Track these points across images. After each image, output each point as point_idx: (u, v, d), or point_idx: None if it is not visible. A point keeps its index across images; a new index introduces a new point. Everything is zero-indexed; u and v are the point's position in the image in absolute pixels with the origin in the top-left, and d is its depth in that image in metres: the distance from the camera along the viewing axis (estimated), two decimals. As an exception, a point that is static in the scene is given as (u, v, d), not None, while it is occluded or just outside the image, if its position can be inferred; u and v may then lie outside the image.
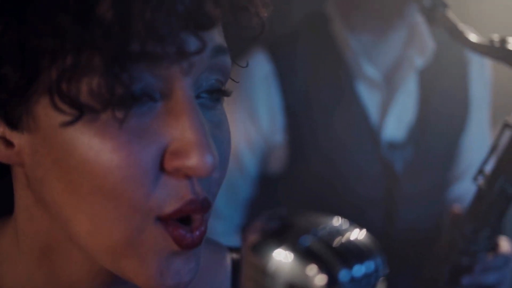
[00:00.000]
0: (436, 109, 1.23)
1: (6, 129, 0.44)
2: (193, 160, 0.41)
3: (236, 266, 0.59)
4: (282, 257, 0.34)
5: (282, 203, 1.25)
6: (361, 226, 0.37)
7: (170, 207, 0.42)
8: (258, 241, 0.35)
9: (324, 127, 1.20)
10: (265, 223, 0.37)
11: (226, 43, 0.46)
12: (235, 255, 0.60)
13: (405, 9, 1.14)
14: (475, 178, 0.96)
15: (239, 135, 1.20)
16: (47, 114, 0.41)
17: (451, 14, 0.97)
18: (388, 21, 1.17)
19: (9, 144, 0.44)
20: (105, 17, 0.39)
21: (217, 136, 0.44)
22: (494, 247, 1.03)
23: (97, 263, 0.46)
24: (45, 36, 0.39)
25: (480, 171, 0.95)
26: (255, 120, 1.20)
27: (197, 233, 0.44)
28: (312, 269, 0.33)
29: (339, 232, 0.36)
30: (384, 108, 1.21)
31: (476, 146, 1.27)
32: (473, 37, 0.93)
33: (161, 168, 0.42)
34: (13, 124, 0.43)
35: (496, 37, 0.90)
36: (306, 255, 0.34)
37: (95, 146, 0.40)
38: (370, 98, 1.21)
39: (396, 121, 1.21)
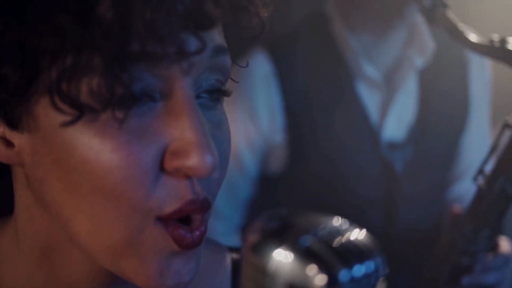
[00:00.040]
0: (436, 109, 1.23)
1: (6, 129, 0.44)
2: (193, 160, 0.41)
3: (236, 266, 0.59)
4: (282, 257, 0.34)
5: (282, 203, 1.25)
6: (361, 226, 0.37)
7: (170, 207, 0.42)
8: (258, 241, 0.35)
9: (324, 127, 1.20)
10: (265, 223, 0.37)
11: (226, 43, 0.46)
12: (235, 255, 0.60)
13: (405, 9, 1.14)
14: (475, 178, 0.96)
15: (239, 135, 1.20)
16: (47, 114, 0.41)
17: (451, 14, 0.97)
18: (388, 21, 1.17)
19: (9, 144, 0.44)
20: (105, 17, 0.39)
21: (217, 136, 0.44)
22: (494, 247, 1.03)
23: (97, 263, 0.46)
24: (45, 36, 0.39)
25: (480, 171, 0.95)
26: (255, 120, 1.20)
27: (197, 233, 0.44)
28: (312, 269, 0.33)
29: (339, 232, 0.36)
30: (384, 108, 1.21)
31: (476, 146, 1.27)
32: (473, 37, 0.93)
33: (161, 168, 0.42)
34: (13, 124, 0.43)
35: (496, 37, 0.90)
36: (306, 255, 0.34)
37: (95, 146, 0.40)
38: (370, 98, 1.20)
39: (396, 121, 1.21)
